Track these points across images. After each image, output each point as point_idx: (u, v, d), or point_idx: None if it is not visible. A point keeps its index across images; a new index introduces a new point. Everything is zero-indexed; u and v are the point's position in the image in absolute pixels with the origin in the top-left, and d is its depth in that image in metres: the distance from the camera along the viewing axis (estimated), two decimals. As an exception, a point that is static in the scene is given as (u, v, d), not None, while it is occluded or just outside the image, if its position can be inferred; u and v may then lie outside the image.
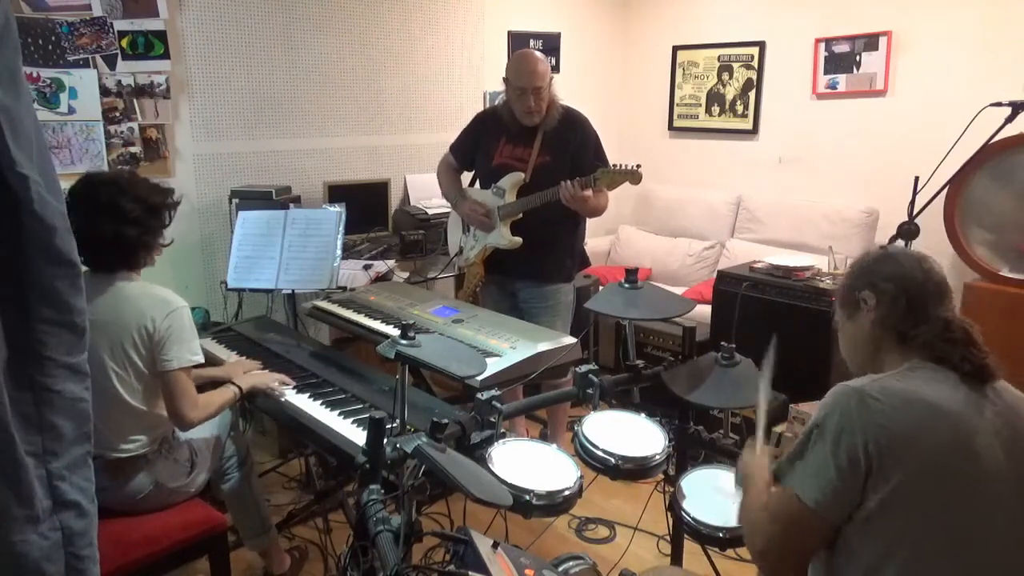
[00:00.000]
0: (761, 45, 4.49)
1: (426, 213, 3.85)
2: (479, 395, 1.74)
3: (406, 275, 3.46)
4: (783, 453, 1.43)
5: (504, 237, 2.91)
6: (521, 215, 2.88)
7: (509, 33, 4.51)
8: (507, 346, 2.26)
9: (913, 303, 1.34)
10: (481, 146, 3.02)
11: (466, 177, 3.21)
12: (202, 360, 2.09)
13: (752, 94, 4.57)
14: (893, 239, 2.92)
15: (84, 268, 1.98)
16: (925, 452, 1.20)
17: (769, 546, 1.32)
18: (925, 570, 1.20)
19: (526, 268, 2.95)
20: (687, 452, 2.23)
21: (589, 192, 2.72)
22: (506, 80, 2.86)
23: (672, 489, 1.87)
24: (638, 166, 2.67)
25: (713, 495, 1.80)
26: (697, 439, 2.54)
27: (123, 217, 1.96)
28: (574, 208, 2.77)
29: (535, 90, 2.76)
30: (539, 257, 2.93)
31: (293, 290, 3.05)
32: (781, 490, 1.30)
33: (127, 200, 1.98)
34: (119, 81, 3.16)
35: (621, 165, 2.69)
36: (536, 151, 2.86)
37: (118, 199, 1.97)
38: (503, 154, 2.94)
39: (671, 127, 5.04)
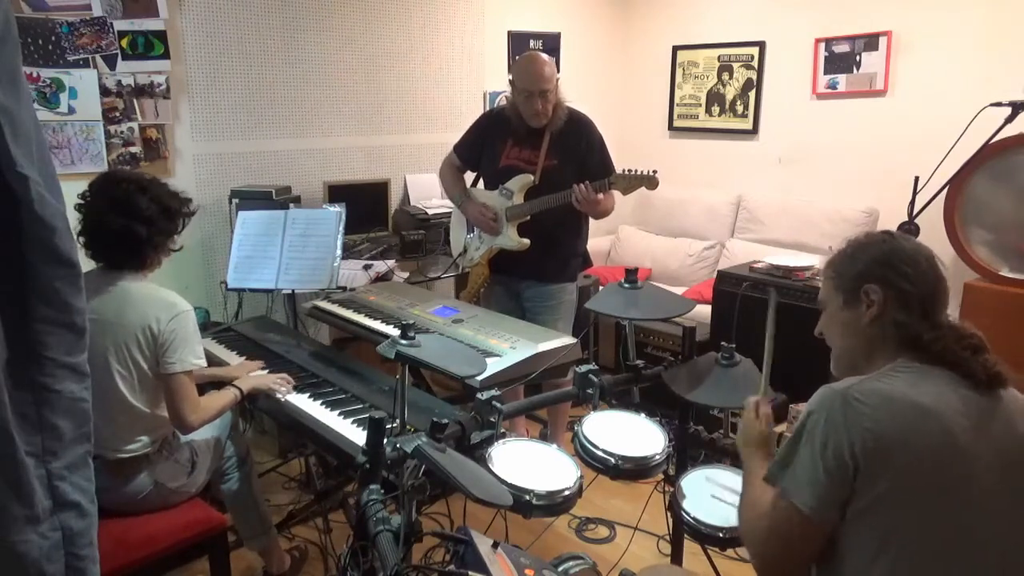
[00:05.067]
0: (761, 45, 4.49)
1: (426, 213, 3.85)
2: (479, 395, 1.74)
3: (406, 275, 3.46)
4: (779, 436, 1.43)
5: (512, 239, 2.92)
6: (529, 217, 2.89)
7: (509, 33, 4.51)
8: (507, 346, 2.26)
9: (927, 307, 1.31)
10: (487, 147, 3.02)
11: (468, 177, 3.21)
12: (204, 364, 2.10)
13: (752, 94, 4.57)
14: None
15: (95, 265, 2.01)
16: (912, 453, 1.19)
17: (771, 557, 1.31)
18: (914, 569, 1.20)
19: (531, 268, 2.96)
20: (687, 452, 2.23)
21: (601, 196, 2.74)
22: (512, 83, 2.86)
23: (672, 489, 1.87)
24: (654, 172, 2.68)
25: (713, 495, 1.80)
26: (697, 439, 2.54)
27: (136, 214, 1.98)
28: (585, 211, 2.80)
29: (542, 93, 2.77)
30: (544, 257, 2.93)
31: (293, 290, 3.05)
32: (776, 500, 1.29)
33: (144, 199, 1.99)
34: (119, 81, 3.16)
35: (637, 170, 2.70)
36: (544, 153, 2.87)
37: (135, 196, 1.99)
38: (510, 156, 2.94)
39: (671, 127, 5.04)
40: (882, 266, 1.34)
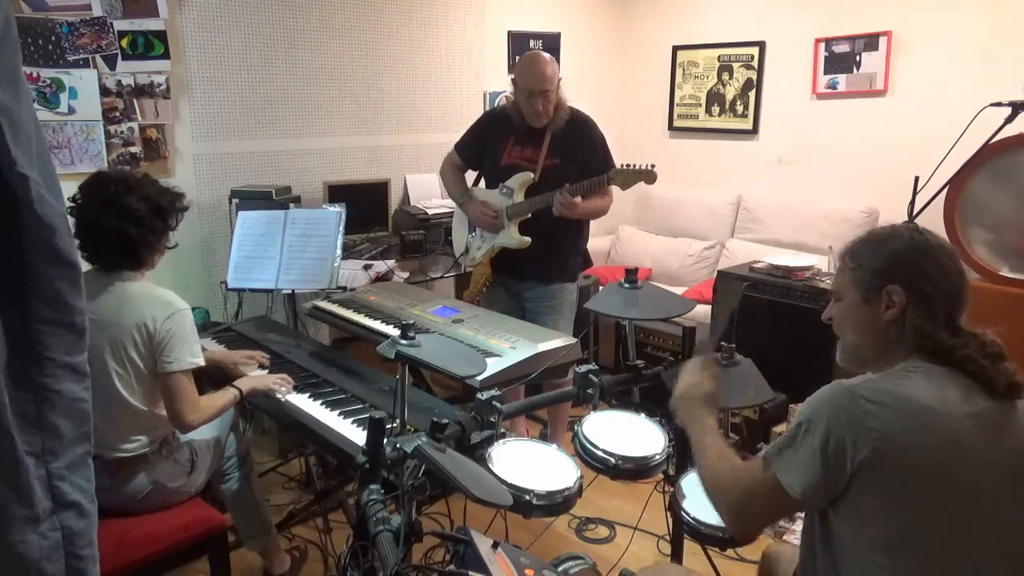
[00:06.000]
0: (761, 45, 4.49)
1: (426, 213, 3.85)
2: (479, 395, 1.74)
3: (406, 275, 3.46)
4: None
5: (513, 237, 2.92)
6: (530, 215, 2.89)
7: (509, 33, 4.51)
8: (507, 346, 2.26)
9: (951, 315, 1.28)
10: (488, 146, 3.02)
11: (469, 176, 3.21)
12: (203, 363, 2.09)
13: (752, 94, 4.57)
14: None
15: (88, 266, 2.01)
16: (920, 455, 1.19)
17: (740, 515, 1.35)
18: (917, 570, 1.20)
19: (532, 268, 2.96)
20: (687, 452, 2.23)
21: (579, 199, 2.74)
22: (514, 82, 2.86)
23: (672, 489, 1.87)
24: (652, 166, 2.68)
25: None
26: (697, 439, 2.52)
27: (128, 215, 1.97)
28: (568, 216, 2.79)
29: (543, 93, 2.77)
30: (545, 257, 2.94)
31: (293, 290, 3.05)
32: (768, 476, 1.29)
33: (134, 198, 1.99)
34: (119, 81, 3.16)
35: (635, 165, 2.70)
36: (545, 152, 2.87)
37: (125, 196, 1.98)
38: (512, 154, 2.94)
39: (671, 127, 5.04)
40: (906, 265, 1.29)
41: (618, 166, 2.78)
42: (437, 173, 3.30)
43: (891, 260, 1.31)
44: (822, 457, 1.22)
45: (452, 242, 3.36)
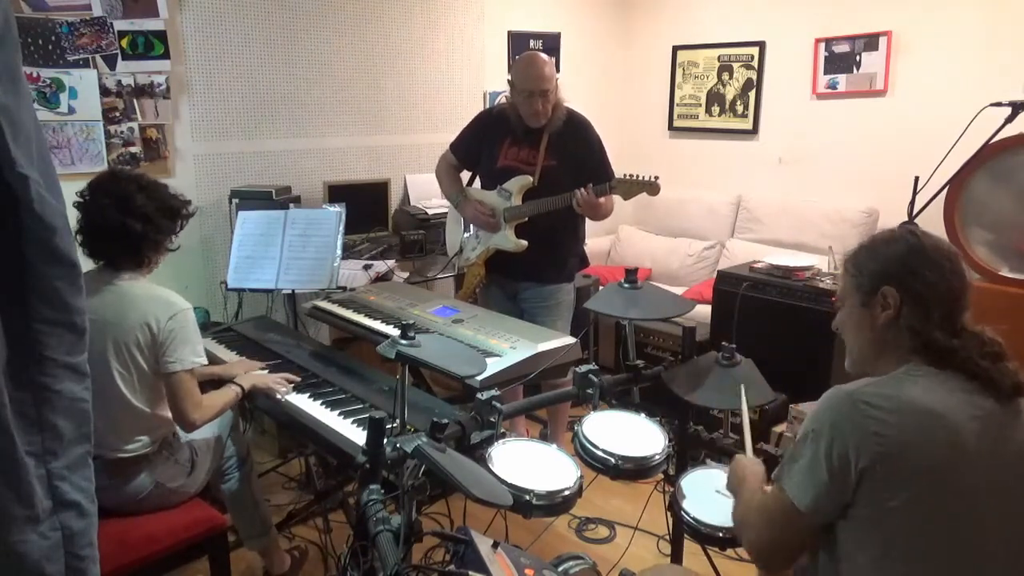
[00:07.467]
0: (761, 45, 4.49)
1: (426, 213, 3.85)
2: (479, 395, 1.74)
3: (406, 275, 3.46)
4: (782, 452, 1.43)
5: (510, 240, 2.91)
6: (527, 218, 2.89)
7: (509, 33, 4.51)
8: (507, 346, 2.26)
9: (948, 315, 1.28)
10: (484, 146, 3.01)
11: (464, 175, 3.21)
12: (205, 362, 2.11)
13: (752, 94, 4.57)
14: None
15: (93, 265, 2.01)
16: (924, 459, 1.18)
17: (763, 543, 1.34)
18: (923, 573, 1.20)
19: (528, 269, 2.95)
20: (687, 452, 2.23)
21: (603, 199, 2.75)
22: (511, 83, 2.86)
23: (672, 489, 1.87)
24: (656, 178, 2.67)
25: (713, 495, 1.80)
26: (697, 439, 2.54)
27: (133, 211, 1.98)
28: (585, 214, 2.80)
29: (542, 93, 2.76)
30: (542, 258, 2.93)
31: (293, 290, 3.05)
32: (776, 491, 1.30)
33: (142, 196, 2.00)
34: (119, 81, 3.16)
35: (639, 176, 2.69)
36: (543, 154, 2.87)
37: (134, 194, 1.99)
38: (508, 156, 2.93)
39: (671, 127, 5.04)
40: (901, 267, 1.30)
41: (622, 175, 2.76)
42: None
43: (887, 263, 1.32)
44: (827, 466, 1.21)
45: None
